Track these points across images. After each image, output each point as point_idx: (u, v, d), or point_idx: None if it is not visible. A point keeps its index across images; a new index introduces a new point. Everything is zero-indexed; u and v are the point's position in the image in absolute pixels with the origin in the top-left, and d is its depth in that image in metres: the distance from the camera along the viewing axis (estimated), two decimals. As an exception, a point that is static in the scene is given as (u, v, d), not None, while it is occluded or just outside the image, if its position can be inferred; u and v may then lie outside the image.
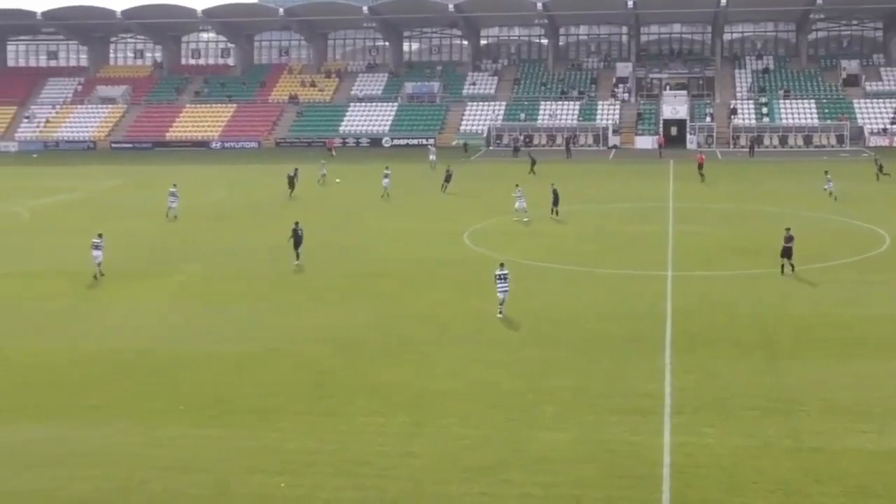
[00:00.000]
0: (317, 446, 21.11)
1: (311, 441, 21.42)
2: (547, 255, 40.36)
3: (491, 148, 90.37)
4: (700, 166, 64.90)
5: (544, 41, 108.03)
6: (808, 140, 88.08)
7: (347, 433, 21.80)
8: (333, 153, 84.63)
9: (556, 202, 50.13)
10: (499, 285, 30.71)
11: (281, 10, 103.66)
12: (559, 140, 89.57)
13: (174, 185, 54.27)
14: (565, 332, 29.63)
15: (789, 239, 36.03)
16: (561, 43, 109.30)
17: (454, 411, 23.11)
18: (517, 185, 50.59)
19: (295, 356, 27.71)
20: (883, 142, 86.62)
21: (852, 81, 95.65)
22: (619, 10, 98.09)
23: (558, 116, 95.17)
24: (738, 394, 23.91)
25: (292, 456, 20.65)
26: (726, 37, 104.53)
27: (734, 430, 21.63)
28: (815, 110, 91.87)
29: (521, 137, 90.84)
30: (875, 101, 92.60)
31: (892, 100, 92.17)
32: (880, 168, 63.11)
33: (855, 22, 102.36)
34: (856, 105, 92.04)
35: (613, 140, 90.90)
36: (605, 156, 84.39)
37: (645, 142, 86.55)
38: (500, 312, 30.78)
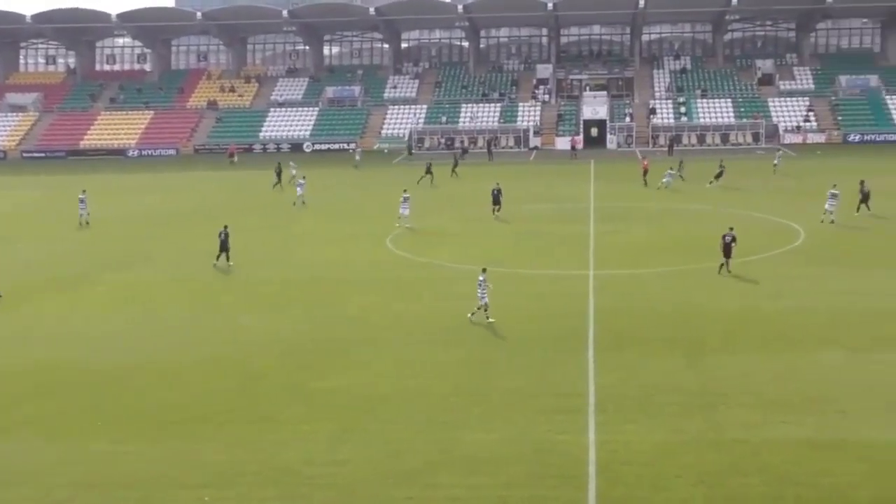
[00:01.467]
0: (244, 456, 20.76)
1: (239, 451, 21.05)
2: (470, 258, 40.33)
3: (420, 151, 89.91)
4: (644, 173, 62.45)
5: (465, 44, 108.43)
6: (724, 138, 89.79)
7: (276, 441, 21.51)
8: (234, 160, 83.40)
9: (496, 201, 50.57)
10: (479, 292, 30.28)
11: (199, 14, 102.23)
12: (480, 142, 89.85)
13: (83, 192, 53.20)
14: (491, 333, 29.61)
15: (731, 238, 36.36)
16: (482, 45, 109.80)
17: (383, 415, 22.98)
18: (405, 191, 49.84)
19: (223, 364, 27.29)
20: (797, 139, 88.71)
21: (767, 81, 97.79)
22: (539, 12, 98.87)
23: (479, 118, 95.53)
24: (662, 390, 24.16)
25: (218, 467, 20.28)
26: (644, 38, 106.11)
27: (658, 426, 21.84)
28: (731, 109, 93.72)
29: (466, 140, 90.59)
30: (789, 99, 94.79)
31: (805, 98, 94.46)
32: (718, 174, 61.62)
33: (769, 23, 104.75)
34: (770, 104, 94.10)
35: (534, 141, 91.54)
36: (527, 157, 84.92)
37: (566, 143, 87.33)
38: (488, 318, 30.25)
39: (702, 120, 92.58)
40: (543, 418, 22.47)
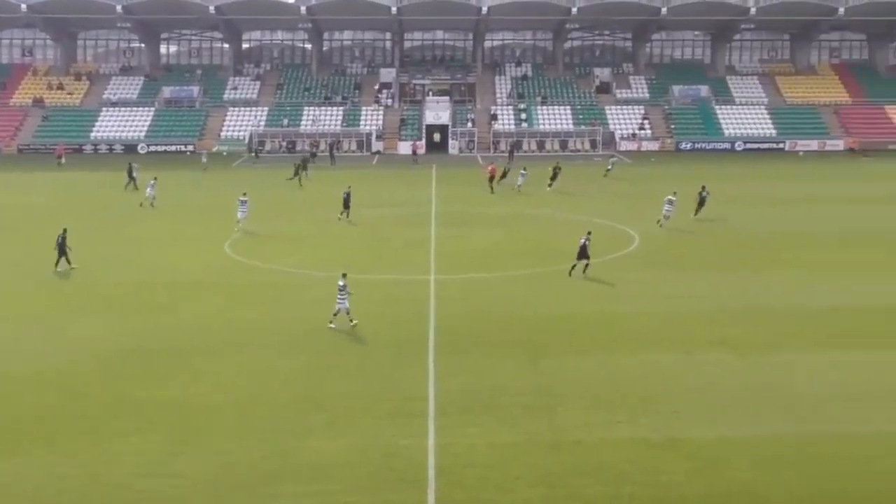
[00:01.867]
0: (67, 472, 19.62)
1: (61, 467, 19.88)
2: (312, 263, 39.71)
3: (262, 155, 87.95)
4: (491, 178, 61.87)
5: (308, 46, 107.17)
6: (564, 144, 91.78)
7: (106, 455, 20.43)
8: (62, 161, 79.71)
9: (346, 205, 50.18)
10: (338, 297, 29.59)
11: (24, 5, 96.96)
12: (322, 146, 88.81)
13: None
14: (333, 339, 29.12)
15: (586, 241, 36.79)
16: (325, 48, 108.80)
17: (221, 426, 22.18)
18: (244, 193, 48.73)
19: (48, 376, 25.79)
20: (632, 146, 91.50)
21: (604, 89, 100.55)
22: (383, 16, 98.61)
23: (322, 122, 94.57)
24: (503, 393, 24.26)
25: (39, 485, 19.09)
26: (487, 44, 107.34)
27: (498, 429, 21.93)
28: (570, 116, 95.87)
29: (321, 143, 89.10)
30: (625, 107, 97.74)
31: (641, 107, 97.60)
32: (553, 175, 63.07)
33: (607, 32, 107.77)
34: (608, 111, 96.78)
35: (377, 146, 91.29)
36: (369, 161, 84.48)
37: (408, 147, 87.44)
38: (351, 321, 29.72)
39: (542, 126, 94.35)
40: (386, 423, 22.23)
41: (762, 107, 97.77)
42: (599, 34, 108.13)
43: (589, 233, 37.63)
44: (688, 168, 74.70)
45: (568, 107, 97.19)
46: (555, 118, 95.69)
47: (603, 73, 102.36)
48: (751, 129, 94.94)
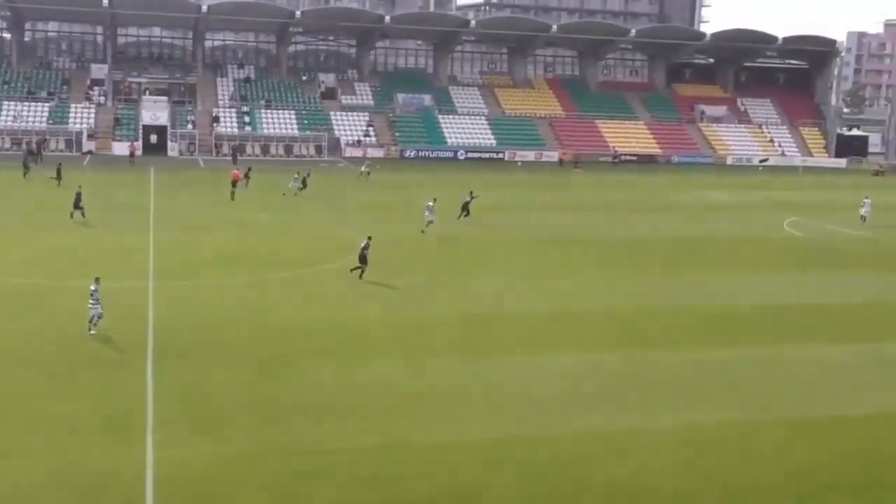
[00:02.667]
0: None
1: None
2: (15, 269, 35.67)
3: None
4: (234, 183, 57.70)
5: (7, 35, 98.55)
6: (288, 149, 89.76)
7: None
8: None
9: (76, 205, 47.05)
10: (90, 303, 27.19)
11: None
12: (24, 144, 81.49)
13: None
14: (40, 354, 25.89)
15: (366, 246, 36.35)
16: (27, 38, 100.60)
17: None
18: None
19: None
20: (357, 152, 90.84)
21: (330, 94, 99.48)
22: (93, 7, 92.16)
23: (24, 118, 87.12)
24: (227, 403, 22.75)
25: None
26: (208, 44, 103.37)
27: (222, 441, 20.51)
28: (295, 121, 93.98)
29: (35, 140, 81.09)
30: (350, 113, 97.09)
31: (366, 113, 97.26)
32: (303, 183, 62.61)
33: (332, 38, 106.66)
34: (333, 117, 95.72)
35: (88, 145, 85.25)
36: (80, 162, 78.54)
37: (124, 148, 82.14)
38: (91, 329, 27.17)
39: (266, 130, 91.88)
40: (100, 439, 20.15)
41: (483, 117, 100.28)
42: (324, 39, 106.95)
43: (369, 238, 36.94)
44: (413, 175, 74.98)
45: (293, 111, 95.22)
46: (279, 122, 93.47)
47: (328, 79, 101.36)
48: (472, 138, 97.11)
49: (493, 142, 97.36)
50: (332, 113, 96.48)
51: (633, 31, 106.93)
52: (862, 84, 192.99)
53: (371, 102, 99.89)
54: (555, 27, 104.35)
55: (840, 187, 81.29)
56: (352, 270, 36.53)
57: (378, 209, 55.75)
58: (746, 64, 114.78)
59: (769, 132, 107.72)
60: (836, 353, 29.62)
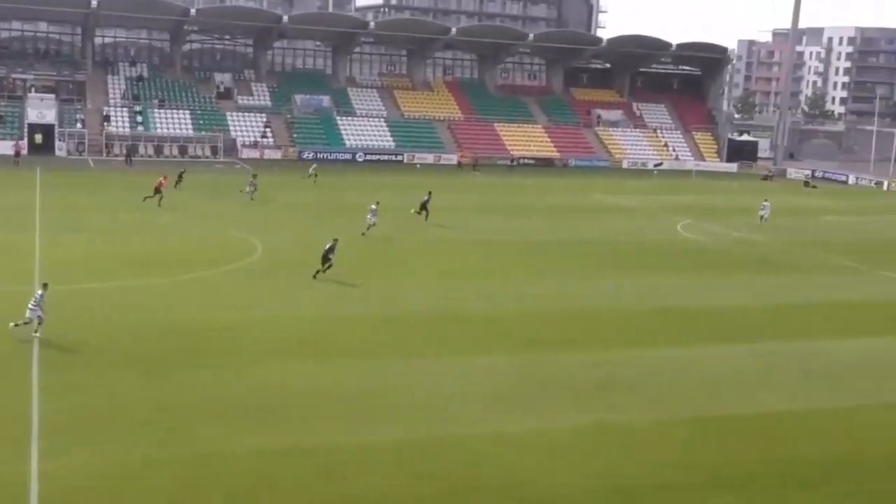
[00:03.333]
0: None
1: None
2: None
3: None
4: (157, 190, 54.37)
5: None
6: (183, 150, 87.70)
7: None
8: None
9: None
10: (31, 305, 27.01)
11: None
12: None
13: None
14: None
15: (331, 249, 36.92)
16: None
17: None
18: None
19: None
20: (254, 154, 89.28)
21: (226, 94, 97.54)
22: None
23: None
24: (116, 410, 22.07)
25: None
26: (98, 40, 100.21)
27: (112, 449, 19.87)
28: (190, 121, 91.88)
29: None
30: (247, 114, 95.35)
31: (263, 114, 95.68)
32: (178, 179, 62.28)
33: (228, 37, 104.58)
34: (229, 117, 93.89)
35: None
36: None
37: (8, 147, 78.97)
38: (35, 332, 26.85)
39: (159, 130, 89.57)
40: None
41: (381, 119, 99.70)
42: (220, 38, 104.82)
43: (335, 239, 37.56)
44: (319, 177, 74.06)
45: (187, 111, 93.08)
46: (173, 122, 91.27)
47: (224, 79, 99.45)
48: (371, 140, 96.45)
49: (392, 144, 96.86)
50: (228, 113, 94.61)
51: (531, 36, 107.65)
52: (752, 91, 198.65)
53: (268, 103, 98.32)
54: (454, 30, 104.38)
55: (732, 191, 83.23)
56: (318, 272, 36.74)
57: (303, 210, 54.82)
58: (642, 69, 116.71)
59: (663, 137, 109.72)
60: (727, 352, 30.22)
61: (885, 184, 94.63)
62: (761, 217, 59.85)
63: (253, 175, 62.22)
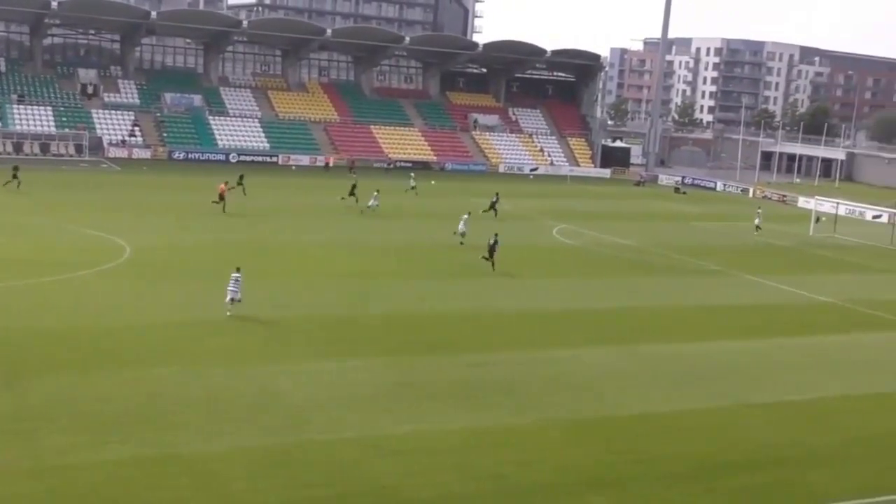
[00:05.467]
0: None
1: None
2: None
3: None
4: (221, 196, 54.93)
5: None
6: (45, 148, 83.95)
7: None
8: None
9: None
10: (231, 287, 30.39)
11: None
12: None
13: None
14: None
15: (494, 241, 42.10)
16: None
17: None
18: None
19: None
20: (122, 153, 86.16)
21: (91, 91, 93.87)
22: None
23: None
24: None
25: None
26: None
27: None
28: (52, 117, 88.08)
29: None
30: (114, 112, 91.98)
31: (131, 112, 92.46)
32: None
33: (92, 32, 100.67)
34: (94, 115, 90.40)
35: None
36: None
37: None
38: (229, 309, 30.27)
39: (18, 127, 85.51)
40: None
41: (256, 120, 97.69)
42: (84, 33, 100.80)
43: (496, 234, 42.94)
44: (185, 177, 72.04)
45: (49, 107, 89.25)
46: (34, 119, 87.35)
47: (89, 75, 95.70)
48: (245, 141, 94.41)
49: (267, 145, 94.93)
50: (93, 111, 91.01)
51: (407, 39, 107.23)
52: (624, 98, 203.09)
53: (137, 101, 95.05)
54: (329, 31, 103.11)
55: (605, 196, 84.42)
56: (486, 259, 42.03)
57: (175, 213, 52.69)
58: (517, 75, 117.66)
59: (539, 142, 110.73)
60: (602, 355, 30.47)
61: (751, 190, 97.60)
62: (757, 226, 63.11)
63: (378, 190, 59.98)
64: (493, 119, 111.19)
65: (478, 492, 19.38)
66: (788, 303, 41.29)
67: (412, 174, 76.62)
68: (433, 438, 21.88)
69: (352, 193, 61.47)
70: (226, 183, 56.88)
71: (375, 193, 58.94)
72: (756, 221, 64.04)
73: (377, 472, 19.86)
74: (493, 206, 60.63)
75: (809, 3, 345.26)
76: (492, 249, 42.42)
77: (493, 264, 42.03)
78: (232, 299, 30.68)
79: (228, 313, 30.54)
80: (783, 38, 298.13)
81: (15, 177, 57.81)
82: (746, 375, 29.27)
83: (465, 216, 50.30)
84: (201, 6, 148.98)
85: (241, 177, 62.92)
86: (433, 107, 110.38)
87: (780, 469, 21.78)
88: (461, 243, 48.03)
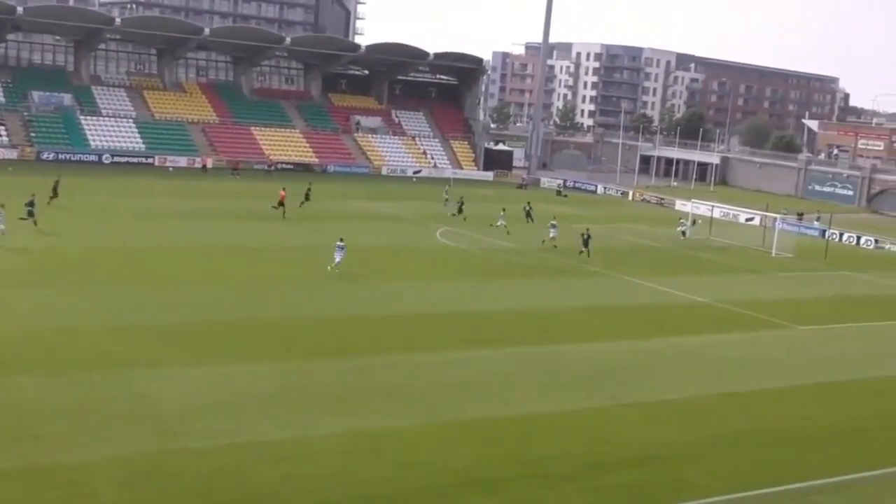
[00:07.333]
0: None
1: None
2: None
3: None
4: (280, 203, 56.96)
5: None
6: None
7: None
8: None
9: None
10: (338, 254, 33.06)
11: None
12: None
13: None
14: None
15: (588, 235, 47.44)
16: None
17: None
18: None
19: None
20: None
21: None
22: None
23: None
24: None
25: None
26: None
27: None
28: None
29: None
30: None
31: None
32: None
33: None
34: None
35: None
36: None
37: None
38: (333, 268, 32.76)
39: None
40: None
41: (130, 120, 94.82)
42: None
43: (588, 229, 51.63)
44: (49, 175, 69.14)
45: None
46: None
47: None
48: (119, 142, 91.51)
49: (142, 146, 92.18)
50: None
51: (287, 39, 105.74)
52: (507, 101, 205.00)
53: (2, 99, 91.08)
54: (207, 30, 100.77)
55: (489, 199, 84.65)
56: (580, 252, 49.31)
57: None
58: (400, 77, 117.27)
59: (422, 144, 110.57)
60: (484, 356, 30.47)
61: (630, 194, 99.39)
62: (682, 232, 65.44)
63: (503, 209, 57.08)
64: (375, 121, 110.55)
65: (358, 496, 19.04)
66: (665, 303, 42.01)
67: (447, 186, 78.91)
68: (314, 443, 21.44)
69: (307, 198, 63.64)
70: (284, 189, 59.53)
71: (502, 213, 61.51)
72: (681, 229, 65.66)
73: (255, 479, 19.32)
74: (528, 214, 65.28)
75: (685, 10, 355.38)
76: (586, 242, 51.21)
77: (588, 253, 50.88)
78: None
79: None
80: (661, 44, 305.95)
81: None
82: (625, 375, 29.61)
83: (553, 221, 56.09)
84: (71, 2, 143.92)
85: (309, 189, 64.88)
86: (315, 108, 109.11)
87: (657, 466, 22.07)
88: (554, 247, 53.91)
